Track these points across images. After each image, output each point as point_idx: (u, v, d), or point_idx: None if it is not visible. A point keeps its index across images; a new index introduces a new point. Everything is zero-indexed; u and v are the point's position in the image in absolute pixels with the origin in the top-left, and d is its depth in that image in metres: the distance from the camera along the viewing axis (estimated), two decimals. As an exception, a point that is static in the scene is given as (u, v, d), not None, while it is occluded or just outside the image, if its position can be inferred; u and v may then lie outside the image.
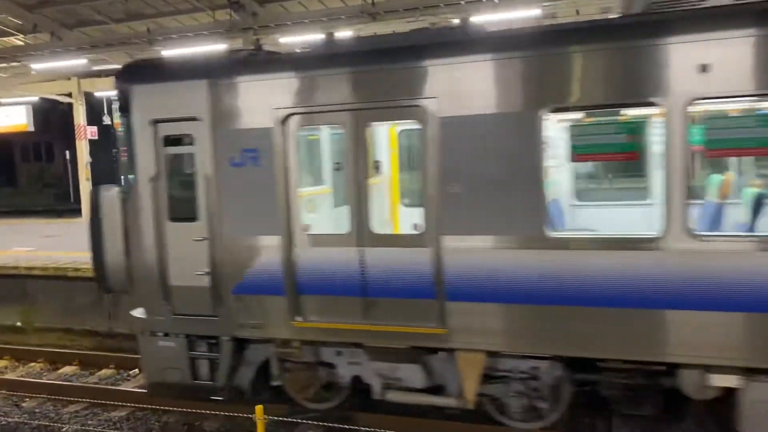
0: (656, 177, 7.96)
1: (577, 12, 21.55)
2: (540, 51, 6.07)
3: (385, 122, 7.60)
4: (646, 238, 5.94)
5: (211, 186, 7.17)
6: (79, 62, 21.55)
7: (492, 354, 6.62)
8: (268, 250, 7.01)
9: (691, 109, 5.62)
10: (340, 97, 6.62)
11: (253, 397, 7.74)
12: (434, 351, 6.91)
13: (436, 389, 7.09)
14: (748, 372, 5.86)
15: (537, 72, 6.03)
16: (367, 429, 6.26)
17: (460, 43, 6.46)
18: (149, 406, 7.64)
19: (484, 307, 6.31)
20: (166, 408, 7.42)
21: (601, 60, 5.87)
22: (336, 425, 6.61)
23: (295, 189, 6.95)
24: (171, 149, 7.43)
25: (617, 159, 6.98)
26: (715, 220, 7.59)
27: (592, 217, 8.57)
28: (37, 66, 22.00)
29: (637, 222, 8.06)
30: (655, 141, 7.45)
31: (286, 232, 6.93)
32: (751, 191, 7.34)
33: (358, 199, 6.72)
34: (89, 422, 8.20)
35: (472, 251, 6.28)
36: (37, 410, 8.85)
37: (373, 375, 7.16)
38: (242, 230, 7.10)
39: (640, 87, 5.74)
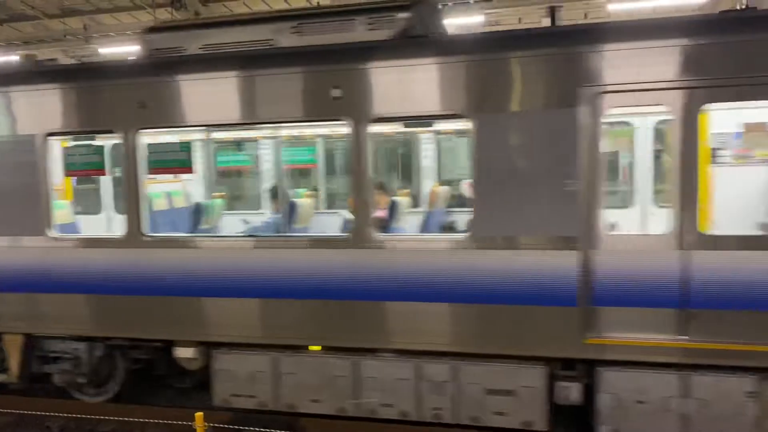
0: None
1: (519, 20, 22.03)
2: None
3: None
4: (113, 239, 7.27)
5: None
6: (8, 59, 20.78)
7: (31, 336, 7.64)
8: None
9: (138, 136, 6.82)
10: None
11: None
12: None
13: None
14: (204, 345, 7.04)
15: (36, 103, 7.12)
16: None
17: (26, 73, 7.48)
18: (85, 416, 7.42)
19: (11, 297, 7.51)
20: (102, 417, 7.28)
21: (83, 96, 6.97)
22: (280, 432, 6.53)
23: None
24: None
25: (91, 175, 8.49)
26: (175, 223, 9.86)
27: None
28: (-37, 62, 21.10)
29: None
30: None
31: None
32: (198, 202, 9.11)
33: None
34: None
35: None
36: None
37: None
38: None
39: (101, 119, 6.92)
